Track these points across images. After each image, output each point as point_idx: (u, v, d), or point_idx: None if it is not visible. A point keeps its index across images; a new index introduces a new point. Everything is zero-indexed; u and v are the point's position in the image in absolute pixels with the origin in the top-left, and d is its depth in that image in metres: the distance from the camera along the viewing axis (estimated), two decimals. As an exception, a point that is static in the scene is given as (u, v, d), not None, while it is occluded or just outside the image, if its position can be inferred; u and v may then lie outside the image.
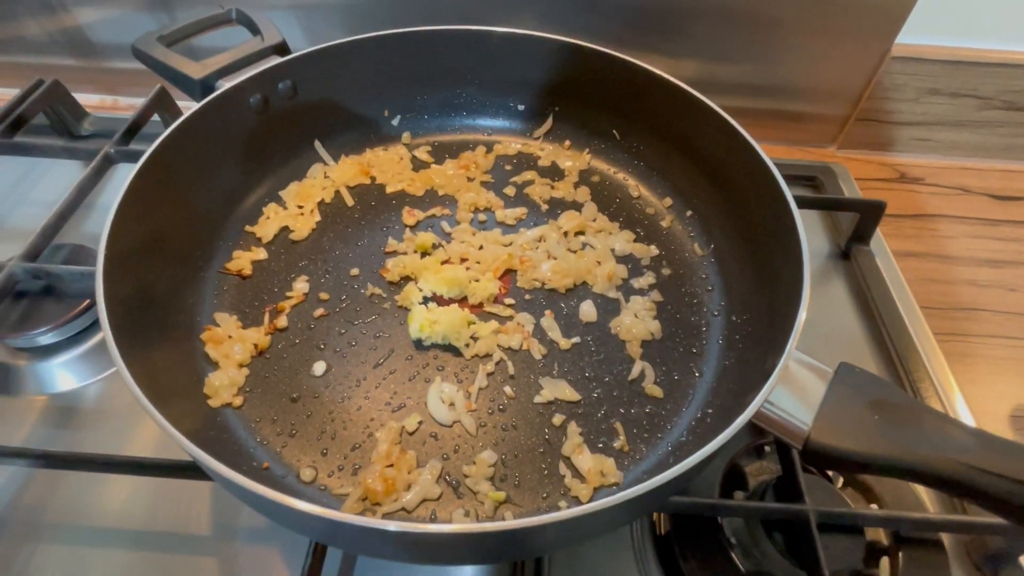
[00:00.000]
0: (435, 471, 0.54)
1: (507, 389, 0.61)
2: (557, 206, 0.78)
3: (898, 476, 0.41)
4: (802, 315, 0.46)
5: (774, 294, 0.58)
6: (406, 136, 0.84)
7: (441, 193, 0.78)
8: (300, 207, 0.75)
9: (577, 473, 0.55)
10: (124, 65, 0.99)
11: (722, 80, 0.96)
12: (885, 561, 0.57)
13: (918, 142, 1.02)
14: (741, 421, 0.40)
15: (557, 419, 0.58)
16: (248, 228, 0.73)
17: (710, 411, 0.58)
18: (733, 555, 0.55)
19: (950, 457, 0.41)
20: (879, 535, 0.58)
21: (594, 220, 0.76)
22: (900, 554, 0.57)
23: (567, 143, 0.84)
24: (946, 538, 0.59)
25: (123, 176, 0.80)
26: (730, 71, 0.95)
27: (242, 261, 0.69)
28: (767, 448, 0.62)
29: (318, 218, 0.75)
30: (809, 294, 0.48)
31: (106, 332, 0.49)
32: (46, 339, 0.70)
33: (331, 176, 0.78)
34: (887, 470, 0.40)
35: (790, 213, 0.56)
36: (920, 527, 0.57)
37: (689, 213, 0.76)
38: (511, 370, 0.62)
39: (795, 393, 0.43)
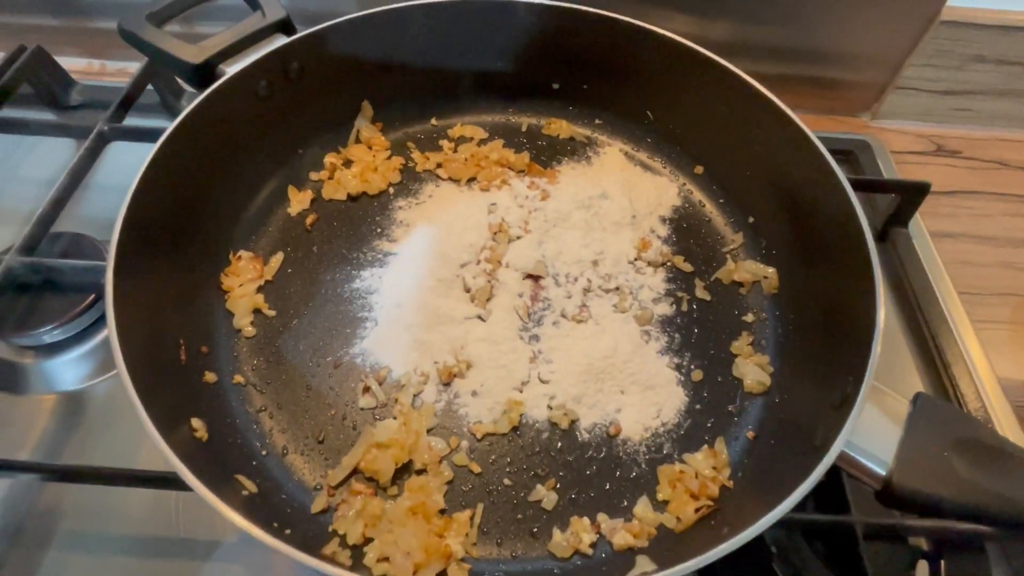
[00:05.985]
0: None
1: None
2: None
3: (987, 524, 0.39)
4: (876, 350, 0.42)
5: (831, 307, 0.55)
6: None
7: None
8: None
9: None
10: (109, 25, 0.90)
11: (753, 43, 0.89)
12: (923, 565, 0.57)
13: (957, 112, 0.97)
14: (819, 473, 0.38)
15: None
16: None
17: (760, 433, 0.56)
18: (773, 565, 0.54)
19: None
20: (920, 541, 0.58)
21: None
22: (942, 561, 0.57)
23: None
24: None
25: (119, 154, 0.76)
26: (761, 33, 0.88)
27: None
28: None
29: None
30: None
31: (123, 375, 0.46)
32: (51, 337, 0.66)
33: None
34: (973, 517, 0.39)
35: (860, 230, 0.53)
36: (968, 536, 0.56)
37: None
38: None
39: (871, 429, 0.41)
